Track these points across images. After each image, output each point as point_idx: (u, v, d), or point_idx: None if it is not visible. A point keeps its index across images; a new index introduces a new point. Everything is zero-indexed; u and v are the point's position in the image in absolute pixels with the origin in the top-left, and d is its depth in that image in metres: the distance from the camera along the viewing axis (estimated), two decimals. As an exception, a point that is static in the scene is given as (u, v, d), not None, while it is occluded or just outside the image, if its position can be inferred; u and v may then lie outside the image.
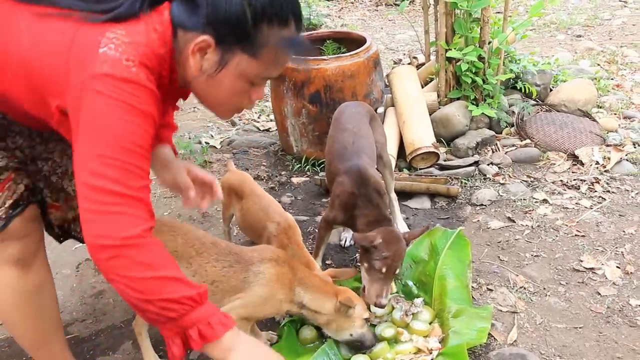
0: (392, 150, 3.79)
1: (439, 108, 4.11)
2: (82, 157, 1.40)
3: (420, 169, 3.76)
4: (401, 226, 3.08)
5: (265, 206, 2.57)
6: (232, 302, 2.02)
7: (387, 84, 4.32)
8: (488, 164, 3.74)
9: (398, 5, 7.91)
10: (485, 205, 3.35)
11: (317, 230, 2.79)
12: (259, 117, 4.82)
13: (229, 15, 1.43)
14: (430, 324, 2.34)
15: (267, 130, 4.54)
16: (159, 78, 1.49)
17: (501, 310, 2.51)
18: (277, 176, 3.80)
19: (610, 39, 6.36)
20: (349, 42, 4.10)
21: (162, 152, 1.97)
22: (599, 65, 5.44)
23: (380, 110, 3.29)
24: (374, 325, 2.33)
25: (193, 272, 2.04)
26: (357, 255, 2.92)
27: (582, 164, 3.69)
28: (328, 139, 2.86)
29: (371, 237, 2.25)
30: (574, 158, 3.76)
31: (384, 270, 2.23)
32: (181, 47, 1.51)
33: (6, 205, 1.73)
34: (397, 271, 2.30)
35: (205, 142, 4.22)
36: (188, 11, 1.46)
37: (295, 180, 3.76)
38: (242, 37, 1.47)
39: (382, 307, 2.27)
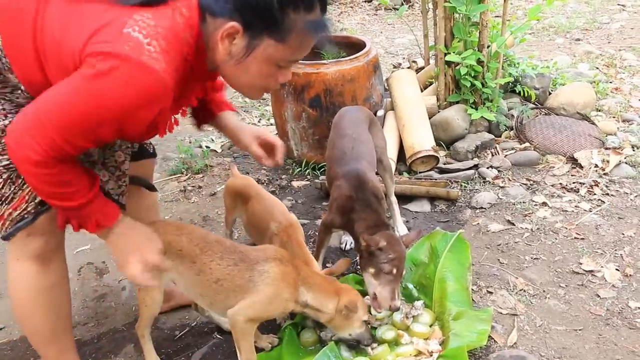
0: (392, 153, 3.81)
1: (439, 112, 4.13)
2: (54, 99, 1.50)
3: (420, 172, 3.78)
4: (402, 229, 3.09)
5: (270, 207, 2.59)
6: (239, 304, 2.03)
7: (387, 87, 4.34)
8: (487, 168, 3.75)
9: (397, 9, 7.94)
10: (485, 209, 3.36)
11: (317, 234, 2.80)
12: (259, 121, 4.84)
13: (255, 1, 1.48)
14: (430, 326, 2.36)
15: (268, 134, 4.55)
16: (182, 62, 1.54)
17: (501, 313, 2.52)
18: (277, 180, 3.81)
19: (609, 42, 6.38)
20: (349, 46, 4.12)
21: (228, 124, 2.16)
22: (597, 68, 5.46)
23: (380, 113, 3.30)
24: (375, 328, 2.34)
25: (198, 270, 2.05)
26: (357, 259, 2.94)
27: (581, 167, 3.71)
28: (328, 143, 2.88)
29: (376, 239, 2.26)
30: (573, 161, 3.78)
31: (394, 271, 2.24)
32: (210, 31, 1.56)
33: (36, 201, 1.79)
34: (403, 274, 2.32)
35: (206, 146, 4.24)
36: None
37: (295, 184, 3.77)
38: (269, 23, 1.52)
39: (397, 309, 2.27)
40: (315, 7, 1.55)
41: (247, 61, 1.59)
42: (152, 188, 2.38)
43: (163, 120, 1.72)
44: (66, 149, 1.54)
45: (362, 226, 2.43)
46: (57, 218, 1.81)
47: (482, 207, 3.37)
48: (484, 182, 3.65)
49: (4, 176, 1.75)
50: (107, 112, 1.48)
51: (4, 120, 1.70)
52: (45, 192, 1.64)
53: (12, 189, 1.76)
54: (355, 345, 2.23)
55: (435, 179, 3.63)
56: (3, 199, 1.77)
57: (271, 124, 4.61)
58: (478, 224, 3.22)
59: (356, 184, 2.51)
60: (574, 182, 3.56)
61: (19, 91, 1.70)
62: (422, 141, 3.77)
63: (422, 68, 4.79)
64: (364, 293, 2.36)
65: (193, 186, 3.72)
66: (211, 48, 1.59)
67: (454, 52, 3.95)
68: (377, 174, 2.90)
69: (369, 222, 2.43)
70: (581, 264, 2.83)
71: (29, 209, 1.78)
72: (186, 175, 3.85)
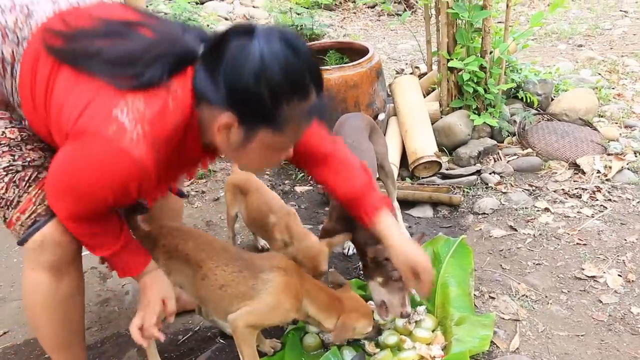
0: (394, 159, 3.82)
1: (441, 117, 4.14)
2: (54, 168, 1.62)
3: (422, 177, 3.79)
4: (404, 234, 3.09)
5: (269, 200, 2.65)
6: (240, 310, 2.04)
7: (390, 93, 4.35)
8: (490, 173, 3.76)
9: (400, 15, 7.96)
10: (487, 214, 3.37)
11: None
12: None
13: (247, 97, 1.46)
14: (433, 331, 2.36)
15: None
16: (169, 145, 1.56)
17: (503, 318, 2.53)
18: (280, 185, 3.83)
19: (611, 48, 6.39)
20: (352, 52, 4.14)
21: (385, 236, 2.06)
22: (599, 74, 5.47)
23: (381, 117, 3.29)
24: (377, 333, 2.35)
25: (203, 275, 2.07)
26: (359, 264, 2.95)
27: (584, 173, 3.71)
28: None
29: (383, 250, 2.19)
30: (576, 167, 3.79)
31: (400, 285, 2.21)
32: (204, 115, 1.57)
33: (45, 203, 1.79)
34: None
35: (209, 152, 4.25)
36: (211, 83, 1.49)
37: (298, 189, 3.78)
38: (263, 117, 1.51)
39: (408, 315, 2.26)
40: (311, 93, 1.53)
41: (247, 148, 1.58)
42: (182, 194, 2.41)
43: (157, 191, 1.78)
44: (81, 212, 1.66)
45: (364, 235, 2.37)
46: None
47: (484, 213, 3.38)
48: (486, 187, 3.66)
49: (6, 179, 1.77)
50: (94, 188, 1.56)
51: (7, 122, 1.77)
52: (79, 240, 1.81)
53: (16, 192, 1.77)
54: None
55: (438, 185, 3.64)
56: (9, 204, 1.78)
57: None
58: (480, 229, 3.23)
59: None
60: (576, 188, 3.57)
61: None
62: (424, 147, 3.79)
63: (425, 74, 4.80)
64: (366, 298, 2.37)
65: (196, 191, 3.73)
66: (207, 129, 1.59)
67: (456, 58, 3.96)
68: (378, 179, 2.91)
69: (369, 231, 2.39)
70: (583, 269, 2.83)
71: (39, 211, 1.78)
72: (189, 180, 3.87)
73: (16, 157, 1.78)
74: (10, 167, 1.77)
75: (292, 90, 1.48)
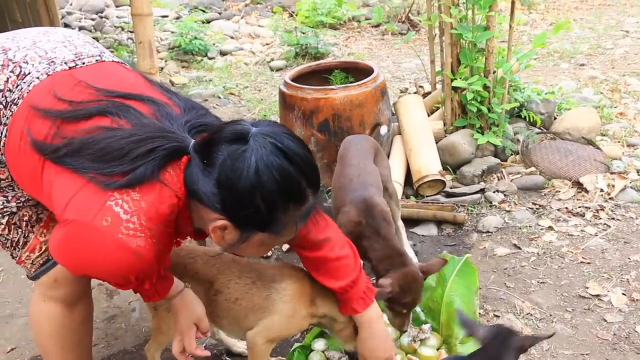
0: (399, 177, 3.85)
1: (445, 136, 4.18)
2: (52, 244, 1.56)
3: (426, 196, 3.81)
4: (409, 254, 3.09)
5: None
6: (258, 326, 2.05)
7: (394, 112, 4.39)
8: (494, 192, 3.78)
9: (404, 34, 8.03)
10: (491, 232, 3.39)
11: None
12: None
13: (242, 208, 1.46)
14: (437, 349, 2.38)
15: (276, 157, 4.60)
16: (164, 233, 1.55)
17: (508, 337, 2.54)
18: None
19: (613, 67, 6.44)
20: (357, 71, 4.18)
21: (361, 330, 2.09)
22: (602, 93, 5.51)
23: (384, 131, 3.26)
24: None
25: (216, 290, 2.07)
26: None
27: (587, 192, 3.74)
28: (334, 174, 2.85)
29: (386, 289, 2.18)
30: (579, 186, 3.81)
31: (404, 311, 2.25)
32: (198, 210, 1.55)
33: None
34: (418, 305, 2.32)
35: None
36: (203, 187, 1.48)
37: (303, 207, 3.80)
38: (259, 225, 1.51)
39: (405, 332, 2.33)
40: (307, 197, 1.53)
41: (240, 247, 1.58)
42: None
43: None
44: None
45: (376, 257, 2.38)
46: None
47: (488, 231, 3.40)
48: (490, 206, 3.68)
49: (3, 221, 1.77)
50: (93, 273, 1.57)
51: None
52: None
53: (20, 232, 1.79)
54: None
55: (442, 203, 3.66)
56: (15, 244, 1.80)
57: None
58: (484, 247, 3.25)
59: (364, 209, 2.47)
60: (579, 207, 3.59)
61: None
62: (428, 165, 3.81)
63: (429, 93, 4.85)
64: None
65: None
66: (198, 218, 1.59)
67: (460, 78, 4.01)
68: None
69: (381, 252, 2.37)
70: (587, 288, 2.85)
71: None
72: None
73: (9, 198, 1.76)
74: (5, 209, 1.76)
75: (288, 199, 1.48)
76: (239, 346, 2.50)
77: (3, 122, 1.62)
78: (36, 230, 1.80)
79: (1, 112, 1.62)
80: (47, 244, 1.78)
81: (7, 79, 1.63)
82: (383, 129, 3.30)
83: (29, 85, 1.62)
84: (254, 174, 1.42)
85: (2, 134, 1.64)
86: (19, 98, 1.61)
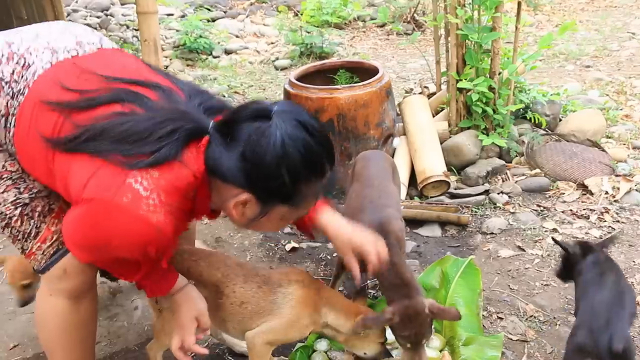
0: (403, 178, 3.84)
1: (450, 137, 4.17)
2: (69, 225, 1.61)
3: (431, 197, 3.80)
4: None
5: None
6: (259, 327, 2.05)
7: (399, 112, 4.38)
8: (498, 193, 3.77)
9: (409, 34, 8.01)
10: (495, 234, 3.38)
11: (332, 258, 2.81)
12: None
13: (268, 180, 1.54)
14: (440, 351, 2.37)
15: (280, 156, 4.59)
16: (182, 210, 1.60)
17: (511, 339, 2.53)
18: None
19: (619, 69, 6.41)
20: (362, 71, 4.18)
21: (326, 224, 2.05)
22: (607, 95, 5.49)
23: (397, 142, 3.22)
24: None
25: (220, 293, 2.06)
26: (368, 281, 2.96)
27: (592, 194, 3.72)
28: (351, 192, 2.72)
29: (386, 315, 2.10)
30: (584, 188, 3.79)
31: (408, 345, 2.14)
32: (218, 187, 1.61)
33: None
34: (424, 341, 2.16)
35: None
36: (227, 163, 1.55)
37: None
38: (282, 197, 1.59)
39: None
40: (326, 172, 1.62)
41: (260, 221, 1.65)
42: None
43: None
44: (102, 261, 1.73)
45: (383, 284, 2.32)
46: None
47: (492, 233, 3.39)
48: (494, 207, 3.67)
49: (16, 212, 1.79)
50: (116, 251, 1.59)
51: (5, 156, 1.77)
52: (105, 269, 1.86)
53: (32, 223, 1.81)
54: None
55: (446, 204, 3.65)
56: (27, 235, 1.81)
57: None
58: (488, 249, 3.24)
59: (378, 233, 2.27)
60: (584, 209, 3.58)
61: None
62: (433, 166, 3.81)
63: (434, 94, 4.84)
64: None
65: (206, 207, 3.75)
66: (217, 197, 1.65)
67: (465, 79, 4.00)
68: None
69: (388, 279, 2.26)
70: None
71: (61, 239, 1.80)
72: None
73: (22, 190, 1.79)
74: (18, 201, 1.78)
75: (310, 172, 1.57)
76: (242, 346, 2.50)
77: (11, 112, 1.66)
78: (48, 220, 1.82)
79: (9, 102, 1.66)
80: (60, 232, 1.80)
81: (13, 70, 1.66)
82: (396, 141, 3.27)
83: (33, 75, 1.66)
84: (280, 146, 1.49)
85: (11, 124, 1.67)
86: (24, 87, 1.65)
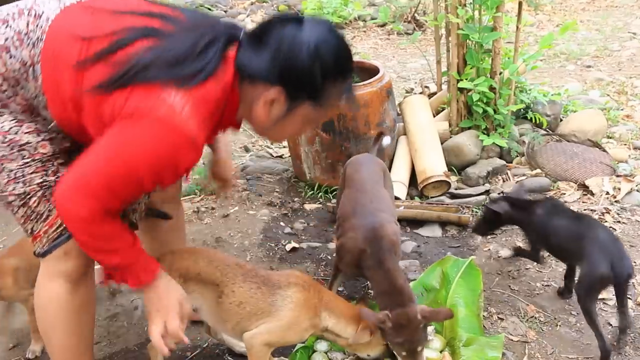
0: (403, 178, 3.84)
1: (451, 137, 4.16)
2: (96, 157, 1.63)
3: (431, 197, 3.80)
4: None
5: None
6: (258, 328, 2.04)
7: (399, 112, 4.38)
8: (499, 193, 3.76)
9: (410, 34, 8.00)
10: (496, 234, 3.37)
11: (330, 259, 2.81)
12: (271, 144, 4.88)
13: (300, 75, 1.63)
14: (441, 352, 2.36)
15: (280, 156, 4.60)
16: (212, 121, 1.68)
17: (512, 340, 2.53)
18: (290, 203, 3.84)
19: (620, 69, 6.40)
20: (362, 71, 4.16)
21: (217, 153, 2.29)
22: (608, 95, 5.48)
23: (386, 142, 3.19)
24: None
25: (220, 292, 2.06)
26: (368, 282, 2.95)
27: (593, 194, 3.71)
28: (343, 197, 2.71)
29: (381, 318, 2.10)
30: (584, 188, 3.79)
31: (403, 353, 2.13)
32: (247, 91, 1.69)
33: None
34: (419, 349, 2.15)
35: (219, 168, 4.27)
36: (259, 62, 1.63)
37: (307, 207, 3.79)
38: (310, 93, 1.68)
39: None
40: (350, 76, 1.76)
41: (285, 121, 1.72)
42: (165, 216, 2.38)
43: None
44: (112, 204, 1.68)
45: (375, 289, 2.31)
46: (102, 274, 1.93)
47: (493, 233, 3.37)
48: (495, 208, 3.65)
49: (39, 194, 1.82)
50: (144, 170, 1.62)
51: (37, 137, 1.80)
52: (92, 247, 1.75)
53: (47, 206, 1.84)
54: None
55: (447, 204, 3.64)
56: (38, 217, 1.84)
57: (284, 146, 4.65)
58: (489, 249, 3.23)
59: (371, 238, 2.34)
60: (585, 209, 3.57)
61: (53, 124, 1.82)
62: (433, 166, 3.80)
63: (435, 93, 4.83)
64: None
65: (206, 207, 3.75)
66: (246, 103, 1.72)
67: (466, 79, 3.99)
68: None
69: (381, 285, 2.26)
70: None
71: (64, 225, 1.83)
72: (199, 196, 3.89)
73: (49, 173, 1.83)
74: (44, 183, 1.82)
75: (338, 71, 1.69)
76: (241, 346, 2.48)
77: (36, 61, 1.71)
78: None
79: (32, 52, 1.71)
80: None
81: (27, 22, 1.72)
82: (386, 140, 3.26)
83: (47, 21, 1.72)
84: (314, 46, 1.60)
85: (38, 72, 1.72)
86: (42, 34, 1.70)
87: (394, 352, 2.18)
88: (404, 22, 8.52)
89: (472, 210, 3.61)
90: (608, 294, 2.78)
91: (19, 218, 1.87)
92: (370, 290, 2.90)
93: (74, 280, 1.93)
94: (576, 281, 2.59)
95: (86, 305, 2.02)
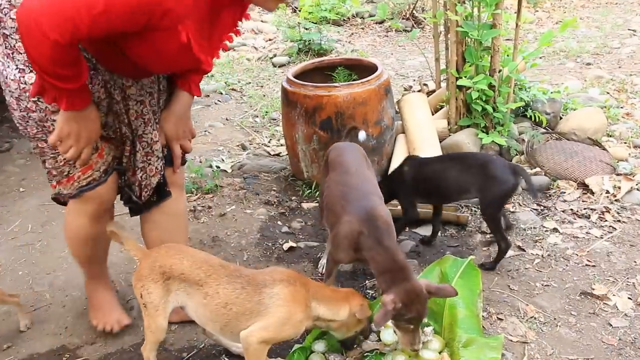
0: (402, 177, 3.80)
1: (449, 135, 4.14)
2: None
3: (430, 196, 3.77)
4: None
5: None
6: (254, 325, 2.04)
7: (398, 110, 4.35)
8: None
9: (408, 31, 7.97)
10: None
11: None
12: (269, 142, 4.85)
13: None
14: (440, 353, 2.33)
15: (278, 154, 4.57)
16: None
17: (511, 340, 2.50)
18: (287, 201, 3.81)
19: (620, 67, 6.38)
20: (361, 69, 4.14)
21: (172, 103, 2.39)
22: (608, 93, 5.45)
23: (362, 136, 3.22)
24: (383, 354, 2.32)
25: (204, 294, 2.07)
26: (366, 282, 2.93)
27: (593, 193, 3.69)
28: (329, 181, 2.71)
29: (389, 307, 2.11)
30: (584, 187, 3.76)
31: (412, 327, 2.18)
32: None
33: (101, 170, 2.26)
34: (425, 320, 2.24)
35: (216, 166, 4.25)
36: None
37: (305, 205, 3.77)
38: None
39: (417, 350, 2.24)
40: None
41: None
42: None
43: (196, 43, 1.90)
44: (82, 31, 1.71)
45: (377, 270, 2.29)
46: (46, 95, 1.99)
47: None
48: (494, 206, 3.62)
49: (99, 145, 2.19)
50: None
51: None
52: (48, 71, 1.80)
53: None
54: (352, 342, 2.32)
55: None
56: (64, 164, 2.21)
57: (281, 145, 4.62)
58: (488, 249, 3.21)
59: (367, 219, 2.36)
60: (585, 208, 3.55)
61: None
62: (432, 165, 3.77)
63: (433, 91, 4.80)
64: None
65: (203, 206, 3.72)
66: None
67: (465, 77, 3.96)
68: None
69: (382, 264, 2.27)
70: (593, 291, 2.80)
71: (94, 176, 2.25)
72: (196, 195, 3.86)
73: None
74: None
75: None
76: (238, 346, 2.47)
77: None
78: (94, 157, 2.21)
79: None
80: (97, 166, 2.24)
81: None
82: (361, 135, 3.23)
83: None
84: None
85: None
86: None
87: (398, 331, 2.24)
88: (403, 19, 8.48)
89: (471, 210, 3.59)
90: (608, 293, 2.77)
91: (57, 160, 2.20)
92: (368, 290, 2.88)
93: (95, 218, 2.36)
94: (482, 203, 2.97)
95: (102, 234, 2.35)
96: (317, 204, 3.75)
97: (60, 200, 2.38)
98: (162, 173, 2.44)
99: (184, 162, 2.57)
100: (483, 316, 2.61)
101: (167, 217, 2.57)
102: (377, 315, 2.11)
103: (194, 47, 1.90)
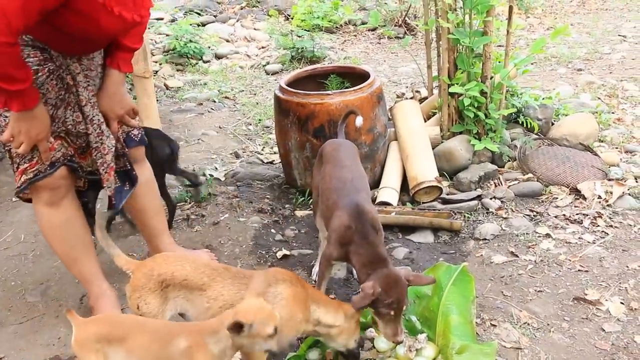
0: (395, 184, 3.82)
1: (442, 142, 4.15)
2: None
3: (423, 203, 3.78)
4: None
5: None
6: None
7: (390, 117, 4.36)
8: (491, 198, 3.75)
9: (400, 38, 8.00)
10: (488, 240, 3.35)
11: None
12: (262, 150, 4.85)
13: None
14: (433, 359, 2.34)
15: (271, 162, 4.57)
16: None
17: (505, 347, 2.51)
18: (281, 209, 3.81)
19: (611, 72, 6.42)
20: (353, 76, 4.15)
21: (105, 80, 2.52)
22: (599, 99, 5.49)
23: (359, 122, 3.29)
24: (378, 361, 2.33)
25: (208, 297, 2.07)
26: (359, 290, 2.93)
27: (585, 199, 3.70)
28: (323, 175, 2.80)
29: (368, 290, 2.18)
30: (576, 192, 3.78)
31: (392, 313, 2.22)
32: None
33: (46, 164, 2.38)
34: (405, 308, 2.28)
35: (210, 175, 4.24)
36: None
37: (298, 213, 3.77)
38: None
39: (400, 343, 2.28)
40: None
41: None
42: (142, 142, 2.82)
43: (115, 3, 2.11)
44: (20, 20, 1.91)
45: (359, 262, 2.38)
46: None
47: (485, 239, 3.36)
48: (487, 213, 3.64)
49: (52, 140, 2.33)
50: None
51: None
52: (10, 66, 2.01)
53: (35, 149, 2.31)
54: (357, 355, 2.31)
55: (439, 210, 3.63)
56: (25, 156, 2.35)
57: (274, 152, 4.62)
58: (481, 255, 3.22)
59: (355, 214, 2.46)
60: (577, 214, 3.56)
61: None
62: (425, 172, 3.78)
63: (426, 98, 4.82)
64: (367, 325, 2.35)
65: (196, 215, 3.72)
66: None
67: (457, 84, 3.98)
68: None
69: (365, 257, 2.37)
70: (585, 296, 2.81)
71: (40, 169, 2.38)
72: (189, 203, 3.85)
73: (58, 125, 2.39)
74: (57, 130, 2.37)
75: None
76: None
77: None
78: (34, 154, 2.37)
79: None
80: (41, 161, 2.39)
81: None
82: (358, 120, 3.24)
83: None
84: None
85: None
86: None
87: (378, 320, 2.27)
88: (395, 26, 8.52)
89: (464, 216, 3.60)
90: (601, 298, 2.78)
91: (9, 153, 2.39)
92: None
93: (52, 205, 2.49)
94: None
95: (66, 222, 2.54)
96: (310, 212, 3.75)
97: (21, 196, 2.55)
98: (114, 153, 2.57)
99: (143, 142, 2.81)
100: (477, 323, 2.62)
101: (139, 187, 2.78)
102: (355, 297, 2.20)
103: (113, 8, 2.11)
